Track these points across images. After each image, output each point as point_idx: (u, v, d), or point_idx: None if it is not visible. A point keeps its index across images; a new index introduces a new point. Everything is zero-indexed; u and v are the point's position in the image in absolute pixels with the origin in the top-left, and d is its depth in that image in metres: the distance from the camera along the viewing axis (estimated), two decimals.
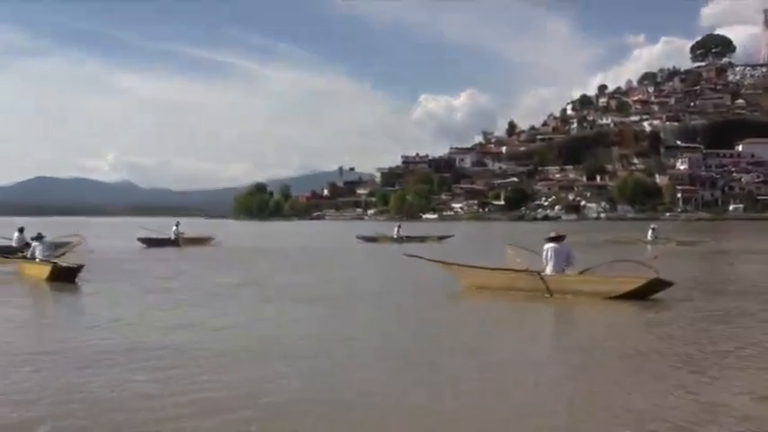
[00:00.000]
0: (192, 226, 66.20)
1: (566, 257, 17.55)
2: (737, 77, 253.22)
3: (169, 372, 9.34)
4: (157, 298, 18.01)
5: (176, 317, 14.50)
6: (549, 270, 17.41)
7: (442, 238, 53.71)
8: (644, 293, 16.24)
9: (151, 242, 46.11)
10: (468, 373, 9.36)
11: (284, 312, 15.58)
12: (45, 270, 22.18)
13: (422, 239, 52.74)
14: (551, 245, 17.63)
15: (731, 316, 14.36)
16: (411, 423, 7.38)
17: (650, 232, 47.11)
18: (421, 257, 20.90)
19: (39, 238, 24.65)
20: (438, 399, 8.16)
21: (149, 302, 17.20)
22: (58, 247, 26.77)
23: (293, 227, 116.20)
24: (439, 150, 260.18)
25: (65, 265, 22.28)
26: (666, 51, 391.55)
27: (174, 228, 47.24)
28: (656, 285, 16.32)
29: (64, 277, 21.55)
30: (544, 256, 17.60)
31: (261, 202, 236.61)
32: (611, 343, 11.75)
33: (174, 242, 45.87)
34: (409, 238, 52.21)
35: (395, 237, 52.57)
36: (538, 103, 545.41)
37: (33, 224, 48.43)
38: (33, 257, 23.89)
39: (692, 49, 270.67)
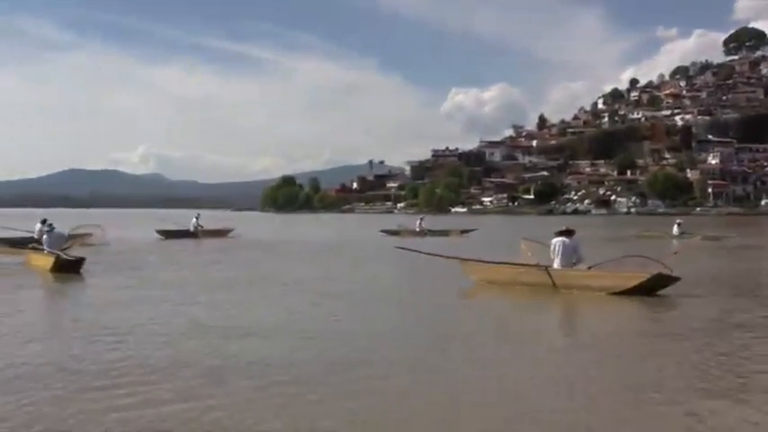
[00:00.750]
0: (215, 218, 67.07)
1: (573, 252, 17.75)
2: None
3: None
4: (139, 293, 18.08)
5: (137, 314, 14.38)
6: (556, 264, 17.71)
7: (464, 231, 54.18)
8: (649, 289, 16.32)
9: (169, 234, 46.87)
10: (463, 372, 9.56)
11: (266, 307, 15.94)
12: (49, 261, 23.01)
13: (444, 233, 53.12)
14: (560, 239, 17.92)
15: (734, 314, 14.43)
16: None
17: (676, 227, 47.39)
18: (418, 251, 21.30)
19: (48, 227, 25.50)
20: (437, 394, 8.40)
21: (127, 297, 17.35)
22: (70, 238, 27.41)
23: (321, 220, 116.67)
24: (468, 144, 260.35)
25: (67, 257, 22.99)
26: (699, 45, 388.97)
27: (194, 220, 48.12)
28: (661, 281, 16.41)
29: (68, 268, 22.37)
30: (552, 251, 17.93)
31: (289, 195, 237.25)
32: (605, 342, 11.89)
33: (193, 234, 46.66)
34: (432, 232, 52.74)
35: (417, 230, 53.14)
36: (568, 97, 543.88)
37: (59, 215, 49.36)
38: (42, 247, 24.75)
39: (726, 42, 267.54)
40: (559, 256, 17.72)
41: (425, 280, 20.89)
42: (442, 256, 20.70)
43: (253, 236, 50.67)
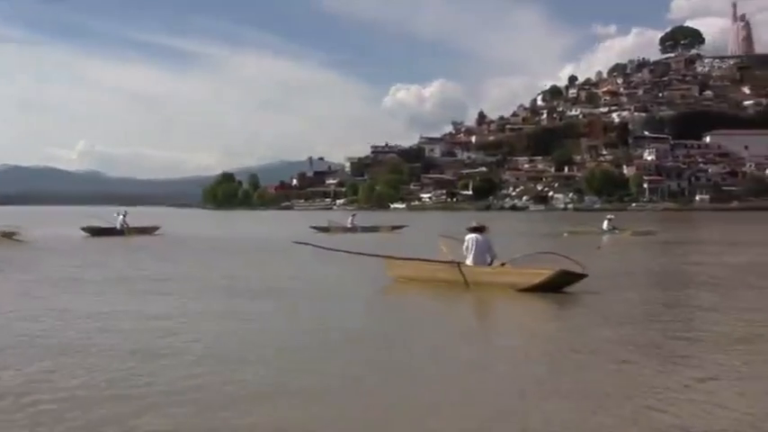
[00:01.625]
0: (150, 216, 65.75)
1: (486, 248, 17.37)
2: (706, 69, 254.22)
3: None
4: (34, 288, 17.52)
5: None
6: (469, 261, 17.27)
7: (395, 227, 53.60)
8: (555, 286, 15.92)
9: (95, 231, 45.54)
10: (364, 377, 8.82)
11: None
12: None
13: (375, 229, 52.67)
14: (472, 236, 17.47)
15: (636, 310, 14.20)
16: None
17: (606, 223, 47.04)
18: (317, 246, 20.73)
19: None
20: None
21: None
22: None
23: (256, 217, 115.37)
24: (409, 140, 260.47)
25: None
26: (637, 43, 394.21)
27: (121, 217, 46.89)
28: (566, 278, 16.02)
29: None
30: (465, 247, 17.48)
31: (229, 192, 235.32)
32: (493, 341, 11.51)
33: (120, 232, 45.52)
34: (363, 228, 52.17)
35: (348, 226, 52.61)
36: (508, 94, 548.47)
37: None
38: None
39: (662, 40, 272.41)
40: (472, 253, 17.31)
41: (339, 278, 20.12)
42: (342, 251, 20.27)
43: (181, 233, 49.45)
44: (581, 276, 16.04)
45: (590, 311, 13.90)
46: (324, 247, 20.77)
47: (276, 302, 15.26)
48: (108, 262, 25.79)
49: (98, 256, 28.82)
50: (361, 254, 19.50)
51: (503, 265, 17.02)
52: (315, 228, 53.16)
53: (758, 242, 38.48)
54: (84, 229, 45.85)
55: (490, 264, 17.21)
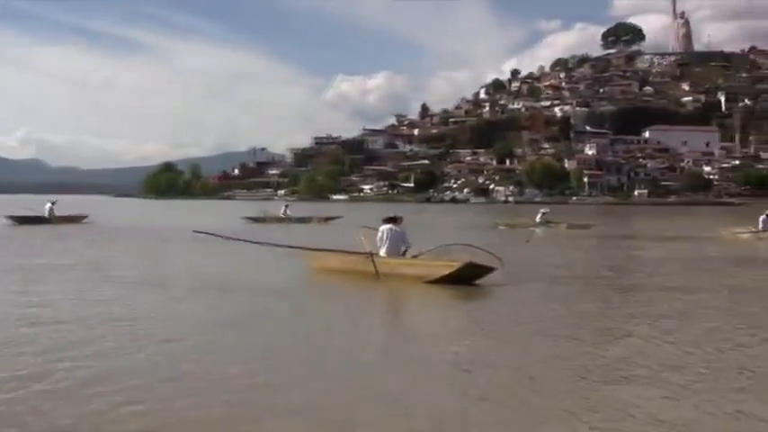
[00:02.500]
0: (83, 205, 64.44)
1: (400, 239, 17.08)
2: (646, 65, 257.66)
3: None
4: None
5: None
6: (383, 252, 17.02)
7: (329, 218, 52.68)
8: (464, 278, 15.59)
9: (22, 220, 44.79)
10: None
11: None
12: None
13: (307, 220, 51.83)
14: (387, 226, 17.22)
15: (537, 303, 13.93)
16: None
17: (539, 216, 46.47)
18: (216, 234, 20.10)
19: None
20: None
21: None
22: None
23: (196, 206, 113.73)
24: (353, 132, 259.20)
25: None
26: (581, 38, 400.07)
27: (49, 205, 45.75)
28: (474, 270, 15.74)
29: None
30: (379, 238, 17.22)
31: (170, 181, 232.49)
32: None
33: (48, 220, 44.64)
34: (296, 219, 51.28)
35: (282, 216, 51.77)
36: (453, 87, 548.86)
37: None
38: None
39: (604, 36, 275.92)
40: (386, 244, 17.04)
41: (257, 269, 19.31)
42: (243, 240, 20.02)
43: (110, 223, 48.13)
44: (489, 269, 15.79)
45: (489, 303, 14.04)
46: (223, 236, 20.12)
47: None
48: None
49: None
50: (267, 244, 19.25)
51: (416, 256, 16.77)
52: (248, 218, 52.17)
53: (679, 237, 38.29)
54: (8, 217, 44.65)
55: (404, 254, 16.98)
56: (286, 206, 55.24)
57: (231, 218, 54.13)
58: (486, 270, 15.75)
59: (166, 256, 23.57)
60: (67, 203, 48.40)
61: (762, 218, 36.00)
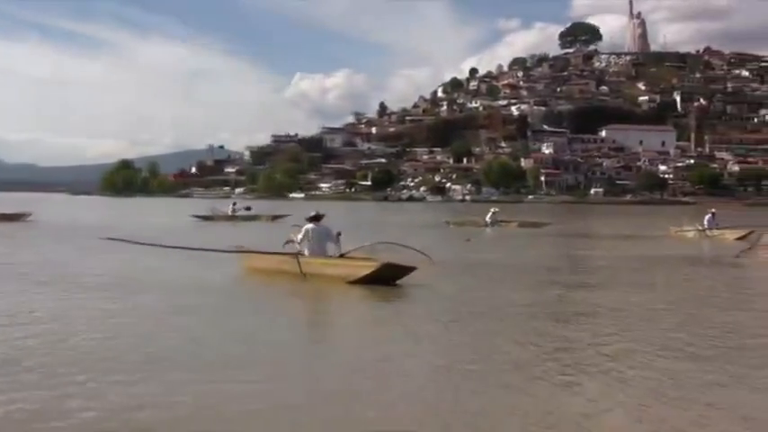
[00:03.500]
0: (34, 202, 63.63)
1: (326, 238, 16.99)
2: (603, 65, 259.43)
3: None
4: None
5: None
6: (306, 251, 16.88)
7: (276, 217, 52.01)
8: (385, 278, 15.43)
9: None
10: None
11: None
12: None
13: (255, 218, 51.29)
14: (310, 225, 17.08)
15: (459, 305, 13.63)
16: None
17: (489, 215, 46.28)
18: (128, 241, 19.00)
19: None
20: None
21: None
22: None
23: (150, 204, 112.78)
24: (312, 130, 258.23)
25: None
26: (540, 37, 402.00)
27: None
28: (392, 270, 15.62)
29: None
30: (301, 238, 17.04)
31: (127, 179, 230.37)
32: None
33: None
34: (244, 217, 50.70)
35: (230, 214, 51.30)
36: (412, 85, 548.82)
37: None
38: None
39: (561, 36, 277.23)
40: (310, 243, 16.91)
41: (184, 267, 18.78)
42: (157, 245, 18.95)
43: (55, 220, 47.33)
44: (409, 269, 15.65)
45: (403, 302, 13.84)
46: (137, 242, 18.93)
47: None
48: None
49: None
50: (183, 248, 18.90)
51: (343, 255, 16.61)
52: (196, 216, 51.61)
53: (624, 236, 38.58)
54: None
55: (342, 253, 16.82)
56: (234, 204, 54.80)
57: (181, 216, 53.58)
58: (406, 270, 15.62)
59: (82, 254, 22.83)
60: (17, 201, 47.32)
61: (707, 216, 36.30)
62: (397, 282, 15.51)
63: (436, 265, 16.48)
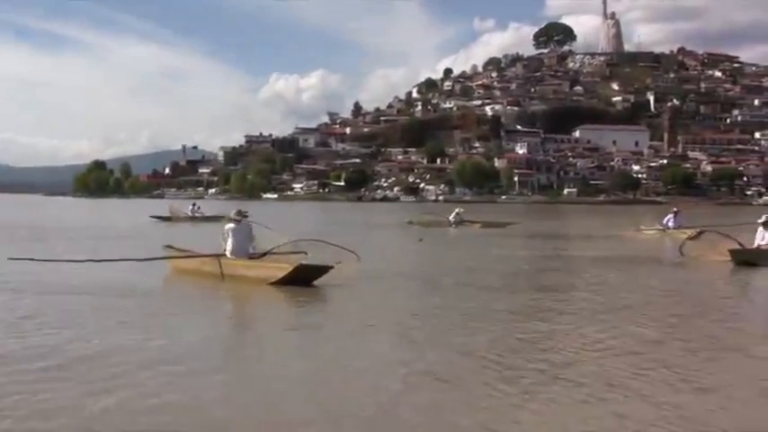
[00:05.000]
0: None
1: (247, 237, 16.59)
2: (577, 65, 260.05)
3: None
4: None
5: None
6: (228, 252, 16.40)
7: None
8: (303, 279, 15.01)
9: None
10: None
11: None
12: None
13: (217, 218, 50.36)
14: (231, 225, 16.59)
15: (376, 301, 13.65)
16: None
17: (453, 214, 45.60)
18: (35, 259, 17.18)
19: None
20: None
21: None
22: None
23: (119, 205, 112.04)
24: (288, 131, 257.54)
25: None
26: (515, 38, 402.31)
27: None
28: (309, 271, 15.23)
29: None
30: (223, 238, 16.60)
31: (100, 180, 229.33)
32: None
33: None
34: (205, 218, 49.79)
35: (190, 215, 50.47)
36: (387, 86, 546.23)
37: None
38: None
39: (535, 36, 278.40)
40: (231, 244, 16.35)
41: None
42: (66, 260, 17.68)
43: (7, 222, 46.21)
44: (325, 269, 15.20)
45: (320, 303, 13.73)
46: (44, 260, 17.41)
47: None
48: None
49: None
50: (92, 260, 17.25)
51: (265, 254, 16.27)
52: (156, 217, 50.73)
53: (586, 235, 38.19)
54: None
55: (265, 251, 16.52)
56: (194, 204, 54.07)
57: (143, 217, 52.67)
58: (322, 270, 15.20)
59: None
60: None
61: (669, 216, 35.81)
62: (315, 282, 15.08)
63: (362, 262, 16.22)
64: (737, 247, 20.57)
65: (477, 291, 15.21)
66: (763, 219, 20.73)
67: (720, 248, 20.82)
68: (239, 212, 16.93)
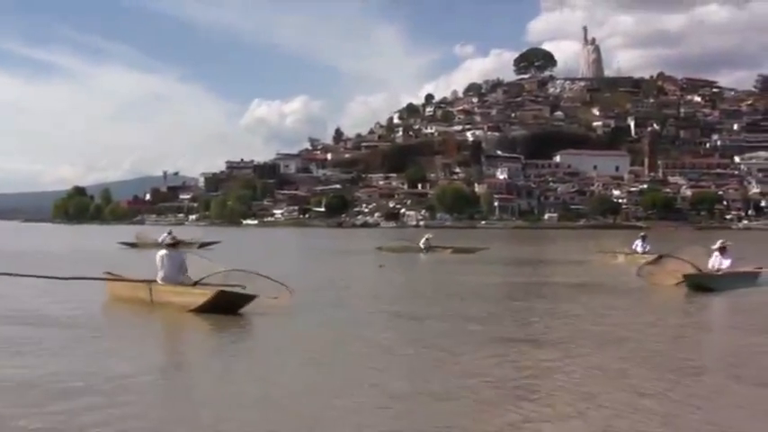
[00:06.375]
0: None
1: (180, 265, 16.29)
2: (557, 90, 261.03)
3: None
4: None
5: None
6: (160, 278, 16.20)
7: (204, 244, 50.54)
8: (227, 307, 14.74)
9: None
10: None
11: None
12: None
13: (187, 244, 49.74)
14: (163, 252, 16.41)
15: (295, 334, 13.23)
16: None
17: (423, 240, 45.23)
18: None
19: None
20: None
21: None
22: None
23: (95, 231, 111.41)
24: (270, 156, 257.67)
25: None
26: (496, 63, 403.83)
27: None
28: (232, 299, 14.93)
29: None
30: (157, 264, 16.31)
31: (80, 206, 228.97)
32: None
33: None
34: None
35: (159, 241, 49.67)
36: (369, 112, 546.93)
37: None
38: None
39: (516, 61, 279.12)
40: (164, 270, 16.14)
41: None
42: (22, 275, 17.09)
43: None
44: (248, 298, 14.93)
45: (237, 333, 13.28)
46: None
47: None
48: None
49: None
50: (32, 276, 16.97)
51: (197, 283, 15.84)
52: (123, 243, 50.23)
53: (553, 261, 38.44)
54: None
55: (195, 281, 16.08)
56: (169, 232, 53.34)
57: (112, 243, 52.20)
58: (245, 298, 14.92)
59: None
60: None
61: (637, 241, 35.60)
62: (240, 311, 14.82)
63: (294, 294, 15.64)
64: (693, 271, 20.39)
65: (407, 320, 14.85)
66: (717, 245, 20.82)
67: (676, 273, 20.60)
68: (173, 238, 17.02)
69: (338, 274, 27.88)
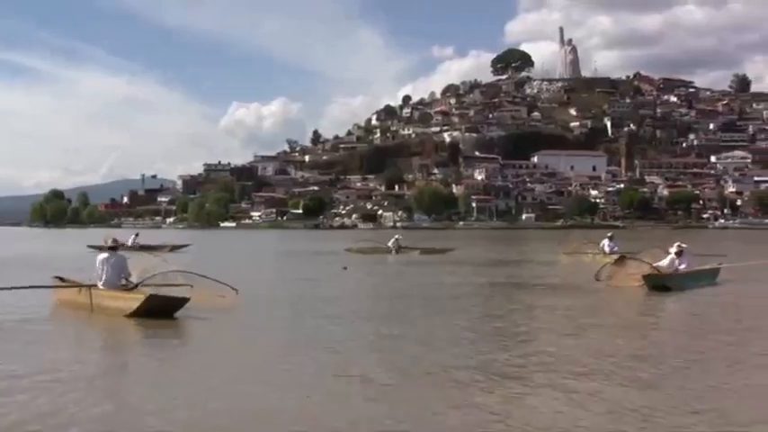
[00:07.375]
0: None
1: (121, 268, 16.01)
2: (534, 91, 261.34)
3: None
4: None
5: None
6: (101, 283, 15.87)
7: (176, 247, 50.25)
8: (160, 311, 14.54)
9: None
10: None
11: None
12: None
13: (154, 248, 49.41)
14: (103, 255, 16.12)
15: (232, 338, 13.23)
16: None
17: (392, 241, 45.02)
18: None
19: None
20: None
21: None
22: None
23: (69, 234, 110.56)
24: (248, 158, 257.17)
25: None
26: (475, 65, 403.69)
27: None
28: (165, 302, 14.83)
29: None
30: (97, 268, 16.01)
31: (57, 210, 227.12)
32: None
33: None
34: (142, 247, 48.73)
35: (129, 245, 49.27)
36: (348, 113, 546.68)
37: None
38: None
39: (494, 62, 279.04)
40: (105, 275, 15.81)
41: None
42: None
43: None
44: (181, 301, 14.85)
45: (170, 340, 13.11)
46: None
47: None
48: None
49: None
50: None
51: (136, 286, 15.57)
52: (93, 246, 49.60)
53: (518, 261, 38.20)
54: None
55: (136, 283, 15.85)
56: (135, 235, 52.86)
57: (82, 246, 51.70)
58: (178, 301, 14.83)
59: None
60: None
61: (605, 241, 35.55)
62: (175, 315, 14.70)
63: (240, 296, 15.72)
64: (651, 272, 20.30)
65: (360, 319, 14.96)
66: (674, 248, 20.94)
67: (636, 274, 20.51)
68: (114, 241, 16.48)
69: (298, 275, 27.64)
